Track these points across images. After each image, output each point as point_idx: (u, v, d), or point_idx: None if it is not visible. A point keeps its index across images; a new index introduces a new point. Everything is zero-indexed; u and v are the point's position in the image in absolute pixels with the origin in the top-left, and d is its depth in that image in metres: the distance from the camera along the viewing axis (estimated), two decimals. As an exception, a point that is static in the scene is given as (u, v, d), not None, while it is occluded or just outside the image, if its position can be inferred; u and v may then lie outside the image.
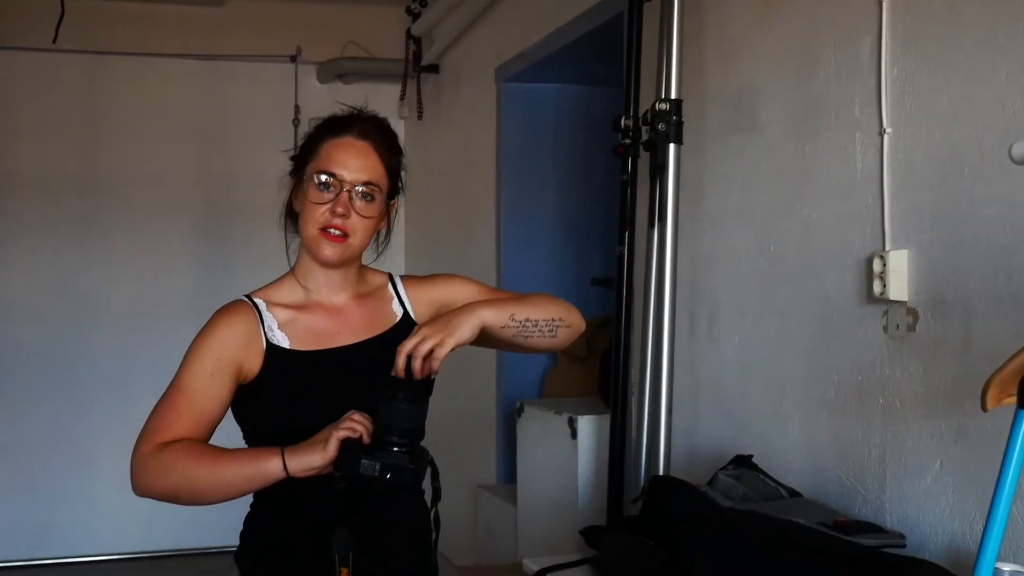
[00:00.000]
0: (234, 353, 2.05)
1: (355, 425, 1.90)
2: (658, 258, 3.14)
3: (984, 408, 1.69)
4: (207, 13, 6.33)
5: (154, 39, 6.23)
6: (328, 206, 2.07)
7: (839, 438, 2.63)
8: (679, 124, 3.12)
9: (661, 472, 3.08)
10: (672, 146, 3.11)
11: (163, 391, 2.05)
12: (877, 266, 2.46)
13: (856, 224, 2.57)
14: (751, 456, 2.78)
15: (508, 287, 4.08)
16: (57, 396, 6.15)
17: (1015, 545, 2.10)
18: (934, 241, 2.35)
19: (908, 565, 2.00)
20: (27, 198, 6.13)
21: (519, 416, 4.35)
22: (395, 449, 1.89)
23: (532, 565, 2.85)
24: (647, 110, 3.18)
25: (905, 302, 2.42)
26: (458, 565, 4.78)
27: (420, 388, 1.90)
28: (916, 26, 2.41)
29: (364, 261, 2.22)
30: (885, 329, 2.47)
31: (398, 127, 6.37)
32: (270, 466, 1.92)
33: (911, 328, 2.40)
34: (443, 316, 2.00)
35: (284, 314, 2.12)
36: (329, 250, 2.08)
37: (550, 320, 2.12)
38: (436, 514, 2.08)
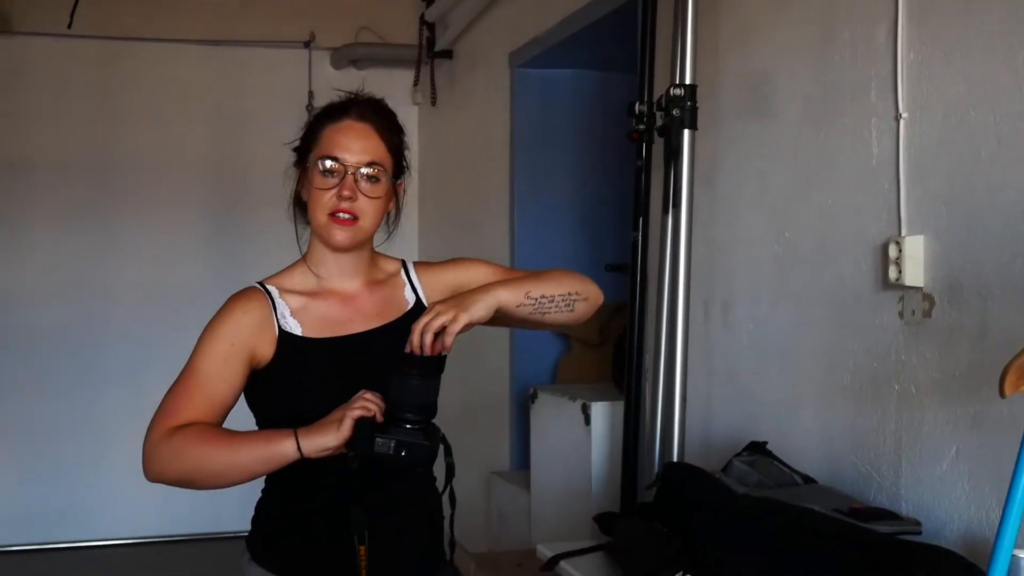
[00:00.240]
0: (247, 338, 2.05)
1: (368, 404, 1.90)
2: (672, 244, 3.13)
3: (1002, 395, 1.68)
4: (221, -2, 6.35)
5: (168, 24, 6.24)
6: (334, 191, 2.06)
7: (854, 424, 2.62)
8: (694, 109, 3.11)
9: (675, 458, 3.08)
10: (687, 132, 3.10)
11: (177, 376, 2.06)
12: (893, 252, 2.44)
13: (872, 210, 2.56)
14: (766, 443, 2.78)
15: (522, 273, 4.07)
16: (73, 381, 6.19)
17: (1031, 532, 2.09)
18: (950, 227, 2.34)
19: (924, 552, 1.99)
20: (43, 183, 6.16)
21: (533, 402, 4.35)
22: (408, 426, 1.88)
23: (546, 551, 2.84)
24: (661, 95, 3.17)
25: (921, 288, 2.40)
26: (471, 551, 4.79)
27: (433, 365, 1.90)
28: (933, 10, 2.39)
29: (375, 243, 2.21)
30: (901, 315, 2.46)
31: (411, 113, 6.46)
32: (284, 447, 1.92)
33: (927, 314, 2.38)
34: (458, 295, 2.00)
35: (297, 301, 2.12)
36: (340, 234, 2.08)
37: (566, 295, 2.11)
38: (451, 490, 2.08)
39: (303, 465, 1.94)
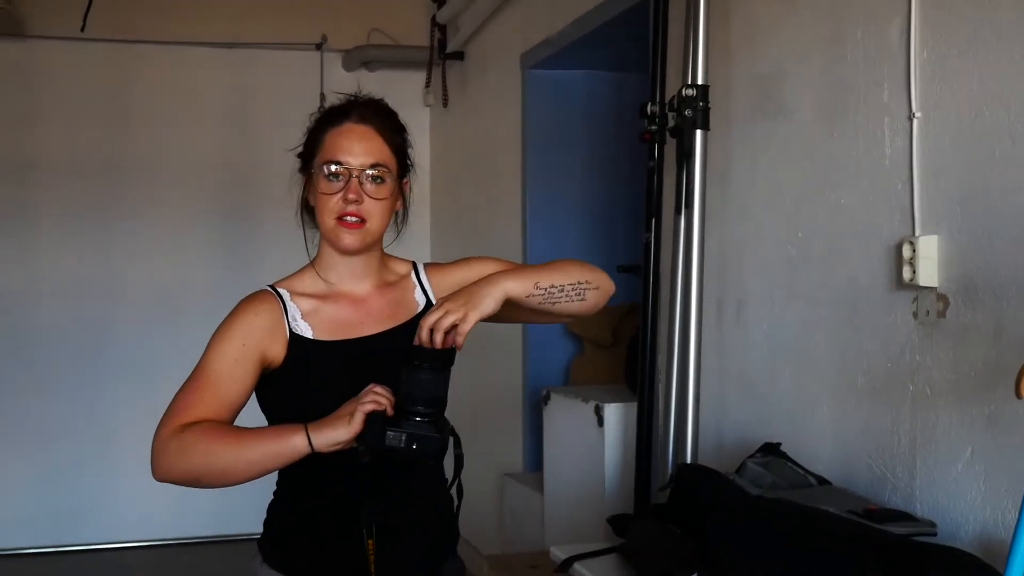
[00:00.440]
0: (259, 340, 2.05)
1: (378, 398, 1.89)
2: (685, 245, 3.12)
3: (1018, 395, 1.67)
4: (233, 1, 6.35)
5: (180, 27, 6.26)
6: (340, 194, 2.07)
7: (868, 425, 2.61)
8: (706, 110, 3.10)
9: (688, 460, 3.07)
10: (699, 132, 3.10)
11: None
12: (907, 252, 2.43)
13: (885, 209, 2.55)
14: (779, 444, 2.77)
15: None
16: (83, 382, 6.20)
17: (1047, 533, 2.08)
18: (964, 227, 2.33)
19: (939, 553, 1.98)
20: (55, 184, 6.18)
21: (545, 404, 4.34)
22: (419, 419, 1.88)
23: (559, 553, 2.84)
24: (673, 96, 3.16)
25: (935, 288, 2.39)
26: (484, 553, 4.78)
27: (443, 357, 1.90)
28: (946, 8, 2.38)
29: (385, 243, 2.21)
30: (915, 315, 2.45)
31: (423, 114, 6.46)
32: (294, 442, 1.91)
33: (941, 314, 2.37)
34: (466, 288, 1.99)
35: (307, 304, 2.12)
36: (349, 238, 2.08)
37: (576, 283, 2.10)
38: (459, 482, 2.08)
39: (313, 461, 1.93)
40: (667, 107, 3.21)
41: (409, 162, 2.20)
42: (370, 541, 1.97)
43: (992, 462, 2.24)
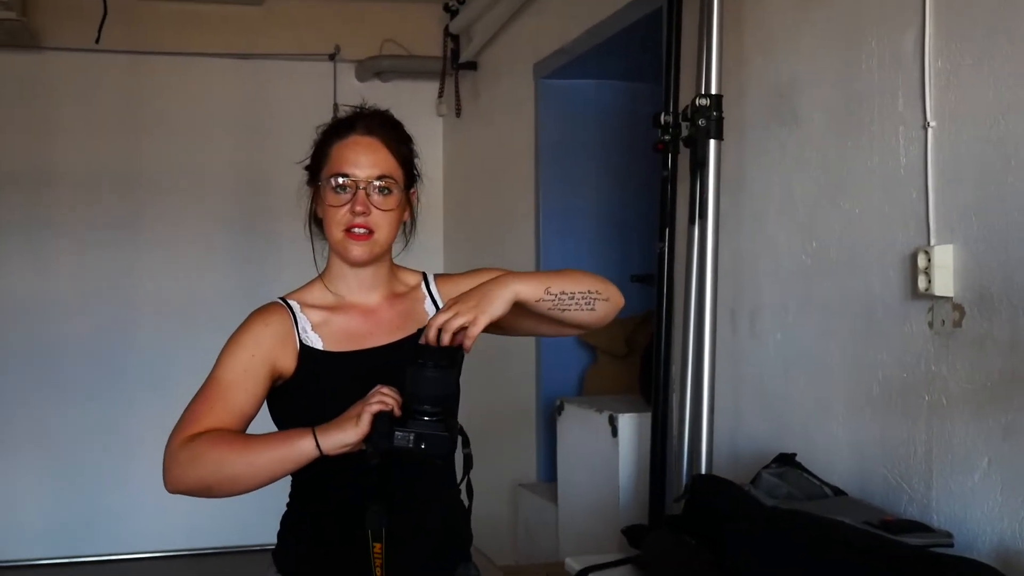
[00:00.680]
0: (269, 350, 2.06)
1: (385, 398, 1.89)
2: (699, 254, 3.12)
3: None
4: (246, 12, 6.37)
5: (194, 38, 6.27)
6: (347, 207, 2.08)
7: (884, 436, 2.60)
8: (719, 120, 3.10)
9: (703, 471, 3.06)
10: (712, 142, 3.09)
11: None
12: (922, 261, 2.42)
13: (900, 219, 2.54)
14: (795, 454, 2.76)
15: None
16: (98, 393, 6.21)
17: (1066, 544, 2.07)
18: (980, 236, 2.32)
19: (956, 565, 1.97)
20: (71, 195, 6.20)
21: (559, 414, 4.34)
22: (427, 419, 1.87)
23: (574, 564, 2.83)
24: (687, 106, 3.16)
25: (951, 298, 2.38)
26: (499, 564, 4.78)
27: (448, 356, 1.89)
28: (960, 17, 2.37)
29: (394, 253, 2.22)
30: (930, 325, 2.44)
31: (436, 124, 6.47)
32: (302, 446, 1.90)
33: (957, 324, 2.36)
34: (476, 289, 1.98)
35: (318, 315, 2.13)
36: (357, 249, 2.10)
37: (586, 292, 2.09)
38: (468, 481, 2.07)
39: (320, 466, 1.93)
40: (681, 117, 3.21)
41: (416, 172, 2.21)
42: (377, 545, 1.97)
43: (1009, 472, 2.23)
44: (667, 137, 3.26)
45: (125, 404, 6.20)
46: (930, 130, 2.44)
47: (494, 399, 5.50)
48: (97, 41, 5.52)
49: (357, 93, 5.96)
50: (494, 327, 2.02)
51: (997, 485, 2.26)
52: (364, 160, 2.10)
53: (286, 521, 2.19)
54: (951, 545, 2.25)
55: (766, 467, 2.73)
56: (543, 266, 5.04)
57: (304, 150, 2.20)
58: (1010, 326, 2.22)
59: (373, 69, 6.42)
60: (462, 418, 1.97)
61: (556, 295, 2.05)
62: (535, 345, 5.07)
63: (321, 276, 2.20)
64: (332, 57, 6.45)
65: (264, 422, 2.11)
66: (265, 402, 2.10)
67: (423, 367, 1.87)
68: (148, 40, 6.19)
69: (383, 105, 2.21)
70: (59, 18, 6.03)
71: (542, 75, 5.08)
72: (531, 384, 5.17)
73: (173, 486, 1.98)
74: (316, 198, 2.17)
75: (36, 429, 6.13)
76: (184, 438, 1.97)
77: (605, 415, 3.89)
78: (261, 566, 2.22)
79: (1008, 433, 2.22)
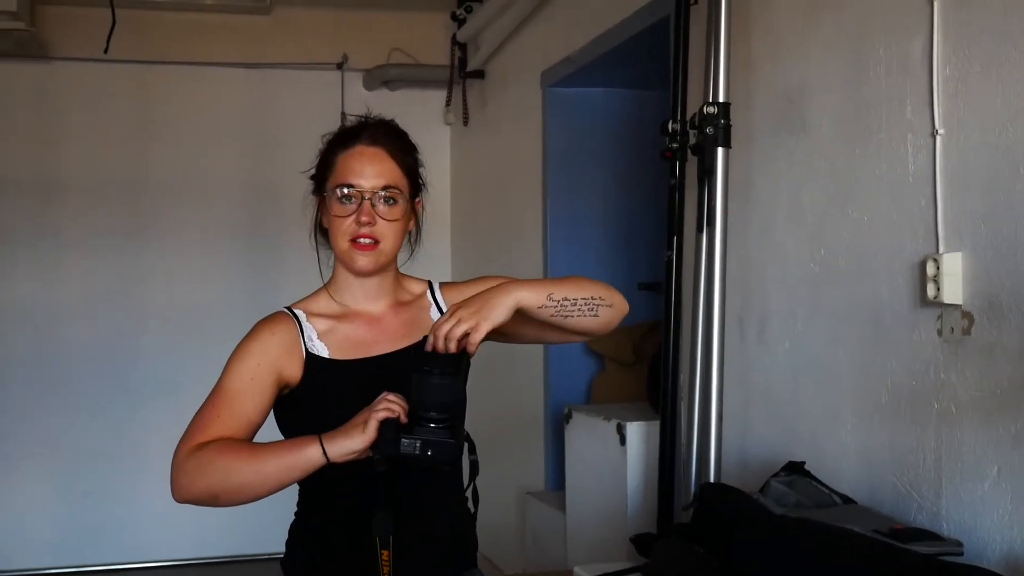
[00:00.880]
0: (275, 359, 2.07)
1: (391, 405, 1.90)
2: (707, 262, 3.12)
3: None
4: (254, 22, 6.39)
5: (202, 48, 6.29)
6: (353, 217, 2.09)
7: (893, 444, 2.59)
8: (727, 127, 3.10)
9: (712, 479, 3.06)
10: (720, 150, 3.09)
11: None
12: (931, 269, 2.42)
13: (908, 226, 2.54)
14: (803, 462, 2.75)
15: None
16: (107, 401, 6.22)
17: (1076, 553, 2.06)
18: (989, 243, 2.31)
19: (965, 573, 1.96)
20: (79, 204, 6.21)
21: (567, 422, 4.33)
22: (433, 425, 1.87)
23: (583, 572, 2.83)
24: (695, 114, 3.16)
25: (960, 305, 2.38)
26: (506, 573, 4.77)
27: (454, 362, 1.89)
28: (969, 24, 2.37)
29: (399, 262, 2.22)
30: (939, 333, 2.44)
31: (443, 133, 6.48)
32: (309, 453, 1.91)
33: (966, 332, 2.36)
34: (478, 296, 1.98)
35: (323, 324, 2.14)
36: (363, 260, 2.10)
37: (589, 298, 2.09)
38: (475, 488, 2.07)
39: (327, 473, 1.93)
40: (688, 124, 3.21)
41: (421, 181, 2.22)
42: (384, 552, 1.97)
43: (1019, 481, 2.22)
44: (675, 145, 3.25)
45: (132, 412, 6.21)
46: (938, 137, 2.43)
47: (502, 407, 5.50)
48: (106, 51, 5.53)
49: (365, 102, 6.01)
50: (498, 335, 2.02)
51: (1007, 493, 2.25)
52: (369, 170, 2.10)
53: (294, 530, 2.20)
54: (961, 554, 2.25)
55: (775, 475, 2.73)
56: (550, 274, 5.04)
57: (312, 159, 2.21)
58: (1019, 334, 2.21)
59: (381, 78, 6.43)
60: (470, 426, 1.97)
61: (558, 301, 2.05)
62: (543, 353, 5.07)
63: (326, 285, 2.21)
64: (340, 66, 6.46)
65: (271, 431, 2.11)
66: (272, 411, 2.10)
67: (429, 374, 1.88)
68: (156, 50, 6.21)
69: (390, 114, 2.22)
70: (68, 28, 6.06)
71: (549, 83, 5.08)
72: (539, 392, 5.17)
73: (180, 495, 1.98)
74: (321, 207, 2.17)
75: (44, 438, 6.14)
76: (191, 447, 1.97)
77: (613, 423, 3.89)
78: (270, 575, 2.22)
79: (1017, 441, 2.22)
